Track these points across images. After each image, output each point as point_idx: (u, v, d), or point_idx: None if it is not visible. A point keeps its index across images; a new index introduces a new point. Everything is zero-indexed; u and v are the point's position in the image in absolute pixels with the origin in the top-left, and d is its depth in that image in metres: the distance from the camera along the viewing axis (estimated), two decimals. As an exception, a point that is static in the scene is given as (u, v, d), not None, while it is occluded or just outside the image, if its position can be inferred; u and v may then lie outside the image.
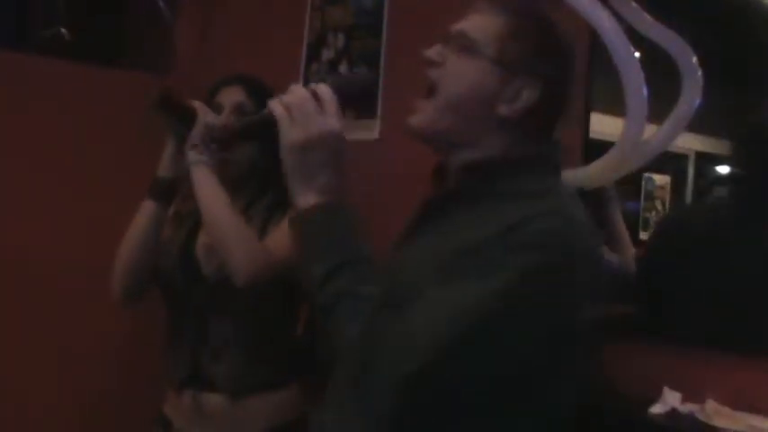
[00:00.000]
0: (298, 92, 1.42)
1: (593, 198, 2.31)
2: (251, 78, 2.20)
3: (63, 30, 3.10)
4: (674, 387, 1.98)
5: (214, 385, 2.09)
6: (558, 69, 1.46)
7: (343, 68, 2.84)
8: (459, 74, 1.42)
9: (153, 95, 1.94)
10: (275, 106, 1.41)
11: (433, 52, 1.45)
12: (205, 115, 2.00)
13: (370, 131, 2.72)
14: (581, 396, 1.45)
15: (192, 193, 2.03)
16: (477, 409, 1.27)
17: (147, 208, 2.06)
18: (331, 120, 1.40)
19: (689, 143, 2.28)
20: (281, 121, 1.40)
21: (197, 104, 2.02)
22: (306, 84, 2.90)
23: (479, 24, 1.44)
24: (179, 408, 2.15)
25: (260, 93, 2.16)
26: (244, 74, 2.22)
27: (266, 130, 1.45)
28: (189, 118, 1.98)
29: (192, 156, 1.97)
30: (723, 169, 2.39)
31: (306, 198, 1.39)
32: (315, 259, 1.37)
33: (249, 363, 2.11)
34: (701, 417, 1.89)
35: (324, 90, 1.43)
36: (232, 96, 2.14)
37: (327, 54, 2.89)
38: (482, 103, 1.41)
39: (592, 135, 2.29)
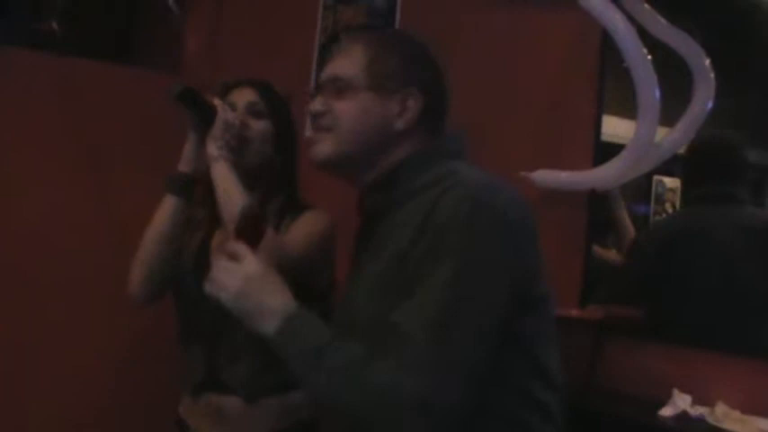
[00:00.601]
0: (214, 264, 1.53)
1: (599, 199, 2.32)
2: (260, 81, 2.21)
3: (54, 24, 3.10)
4: (684, 390, 1.98)
5: (230, 388, 2.10)
6: (428, 71, 1.58)
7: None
8: (347, 114, 1.53)
9: (174, 88, 1.96)
10: (207, 287, 1.53)
11: (316, 106, 1.55)
12: (224, 113, 2.02)
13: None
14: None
15: (205, 198, 2.05)
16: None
17: (168, 203, 2.06)
18: (248, 266, 1.50)
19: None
20: (213, 296, 1.52)
21: (217, 102, 2.04)
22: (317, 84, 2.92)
23: (345, 62, 1.55)
24: (195, 411, 2.15)
25: (271, 94, 2.17)
26: (253, 78, 2.24)
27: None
28: (209, 114, 2.00)
29: (212, 151, 1.99)
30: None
31: (266, 329, 1.47)
32: (303, 367, 1.45)
33: (263, 365, 2.11)
34: (710, 420, 1.89)
35: (231, 246, 1.53)
36: (244, 96, 2.15)
37: (339, 54, 2.90)
38: (377, 128, 1.52)
39: (603, 137, 2.29)
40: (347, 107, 1.53)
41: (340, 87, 1.54)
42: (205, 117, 2.00)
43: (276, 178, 2.14)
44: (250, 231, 1.56)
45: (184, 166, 2.06)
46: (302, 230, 2.06)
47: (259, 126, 2.11)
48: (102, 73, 2.92)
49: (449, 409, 1.33)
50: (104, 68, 2.94)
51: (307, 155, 1.59)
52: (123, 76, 2.97)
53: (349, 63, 1.55)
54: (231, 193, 1.96)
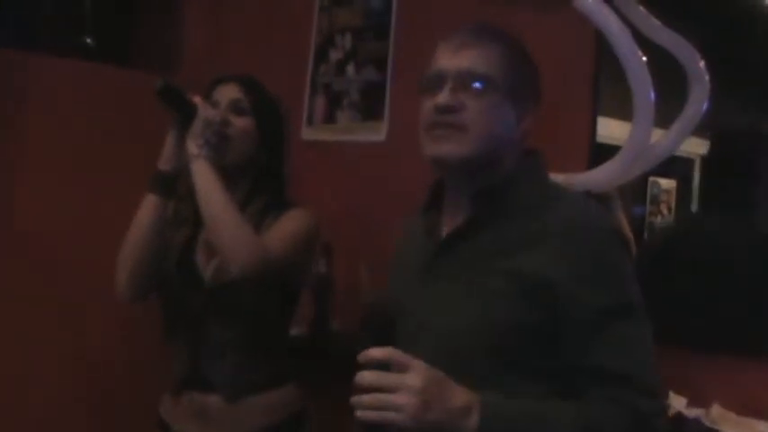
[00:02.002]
0: (367, 382, 1.31)
1: (596, 200, 2.32)
2: (247, 77, 2.20)
3: (89, 39, 3.12)
4: (680, 391, 1.98)
5: (213, 386, 2.10)
6: (539, 90, 1.60)
7: (350, 69, 2.84)
8: (483, 113, 1.48)
9: (156, 84, 1.96)
10: (367, 415, 1.32)
11: (446, 99, 1.48)
12: (204, 110, 2.01)
13: (377, 133, 2.72)
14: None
15: (190, 192, 2.04)
16: None
17: (150, 202, 2.05)
18: (411, 378, 1.31)
19: (695, 148, 2.27)
20: (407, 417, 1.30)
21: (197, 99, 2.03)
22: (313, 85, 2.92)
23: (483, 60, 1.50)
24: (177, 410, 2.14)
25: (255, 90, 2.17)
26: (239, 74, 2.23)
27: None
28: (189, 112, 2.00)
29: (192, 149, 1.98)
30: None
31: (467, 422, 1.33)
32: None
33: (247, 364, 2.11)
34: (706, 421, 1.90)
35: (378, 352, 1.32)
36: (228, 93, 2.14)
37: (335, 55, 2.90)
38: (504, 133, 1.51)
39: (599, 139, 2.29)
40: (482, 107, 1.48)
41: (473, 83, 1.49)
42: (185, 115, 2.00)
43: (259, 177, 2.14)
44: (382, 328, 1.38)
45: (164, 164, 2.05)
46: (282, 229, 2.06)
47: (241, 123, 2.11)
48: (101, 75, 2.92)
49: None
50: (103, 70, 2.94)
51: (426, 150, 1.52)
52: (121, 77, 2.97)
53: (488, 62, 1.50)
54: (211, 192, 1.95)
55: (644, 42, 2.09)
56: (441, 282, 1.52)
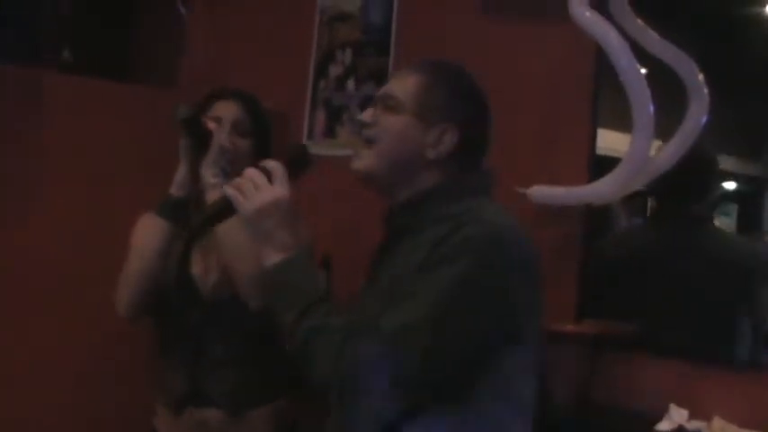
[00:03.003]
0: (248, 172, 1.61)
1: (599, 216, 2.32)
2: (245, 94, 2.20)
3: (67, 53, 3.12)
4: (681, 404, 1.98)
5: (213, 401, 2.10)
6: (472, 111, 1.69)
7: (350, 85, 2.85)
8: (389, 129, 1.64)
9: (180, 112, 1.97)
10: (227, 189, 1.61)
11: (366, 115, 1.68)
12: (219, 137, 2.02)
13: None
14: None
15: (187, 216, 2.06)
16: (446, 392, 1.50)
17: (159, 227, 2.06)
18: (279, 188, 1.59)
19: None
20: (233, 198, 1.59)
21: (213, 127, 2.04)
22: (313, 100, 2.92)
23: (400, 85, 1.68)
24: (177, 425, 2.14)
25: (255, 109, 2.17)
26: (238, 89, 2.23)
27: (227, 213, 1.64)
28: (206, 140, 2.00)
29: (208, 178, 1.99)
30: (729, 185, 2.40)
31: (269, 257, 1.58)
32: (285, 308, 1.56)
33: (246, 378, 2.12)
34: (707, 434, 1.89)
35: (271, 164, 1.62)
36: (229, 112, 2.14)
37: (335, 70, 2.90)
38: (410, 151, 1.64)
39: (598, 151, 2.29)
40: (389, 125, 1.64)
41: (390, 105, 1.65)
42: (202, 142, 2.00)
43: None
44: (294, 166, 1.64)
45: (177, 190, 2.05)
46: None
47: (245, 144, 2.11)
48: (102, 90, 2.93)
49: (385, 409, 1.48)
50: (104, 86, 2.95)
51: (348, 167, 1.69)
52: (122, 92, 2.97)
53: (402, 86, 1.67)
54: (231, 224, 1.95)
55: (643, 55, 2.10)
56: (369, 285, 1.69)
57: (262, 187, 1.58)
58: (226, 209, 1.63)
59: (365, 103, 2.78)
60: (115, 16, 3.43)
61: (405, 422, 1.50)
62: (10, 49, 2.96)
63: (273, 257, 1.57)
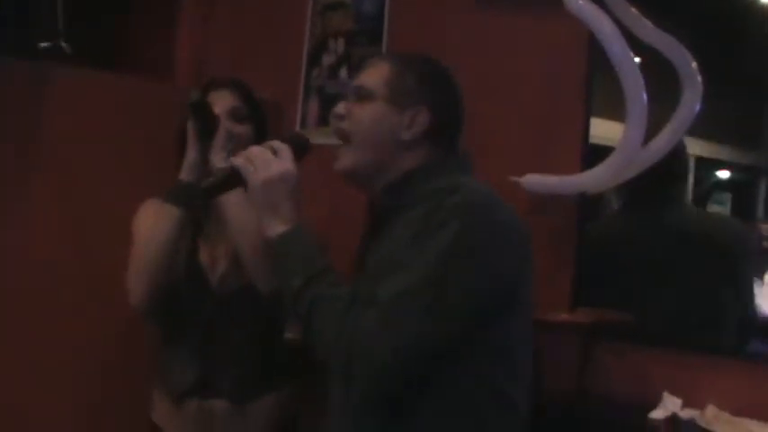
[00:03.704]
0: (254, 148, 1.68)
1: (592, 203, 2.32)
2: (238, 82, 2.20)
3: (63, 43, 3.10)
4: (674, 392, 1.98)
5: (220, 392, 2.10)
6: (442, 93, 1.76)
7: (343, 74, 2.85)
8: (362, 119, 1.71)
9: (192, 97, 1.99)
10: (236, 160, 1.67)
11: (339, 108, 1.75)
12: (226, 123, 2.02)
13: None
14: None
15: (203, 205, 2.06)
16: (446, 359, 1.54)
17: (172, 214, 2.04)
18: (286, 162, 1.66)
19: (689, 148, 2.27)
20: (243, 169, 1.65)
21: (218, 112, 2.04)
22: (306, 89, 2.92)
23: (371, 75, 1.74)
24: (180, 416, 2.14)
25: (250, 96, 2.17)
26: (232, 78, 2.23)
27: (233, 184, 1.69)
28: (213, 125, 2.01)
29: (217, 162, 1.98)
30: (723, 174, 2.40)
31: (275, 228, 1.63)
32: (290, 276, 1.60)
33: (253, 369, 2.13)
34: (701, 422, 1.89)
35: (277, 144, 1.69)
36: (225, 101, 2.13)
37: (328, 59, 2.90)
38: (386, 135, 1.70)
39: (592, 140, 2.29)
40: (363, 114, 1.71)
41: (361, 96, 1.72)
42: (209, 128, 2.01)
43: None
44: (296, 148, 1.69)
45: (188, 175, 2.04)
46: None
47: (242, 131, 2.11)
48: (94, 81, 2.91)
49: (386, 378, 1.51)
50: (95, 76, 2.93)
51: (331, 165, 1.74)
52: (116, 84, 2.96)
53: (373, 75, 1.74)
54: (240, 207, 1.96)
55: (637, 44, 2.10)
56: (362, 264, 1.72)
57: (270, 161, 1.64)
58: (232, 179, 1.67)
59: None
60: (110, 7, 3.42)
61: (405, 391, 1.55)
62: (5, 42, 2.95)
63: (279, 227, 1.62)
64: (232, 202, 1.97)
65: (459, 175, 1.70)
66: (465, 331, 1.53)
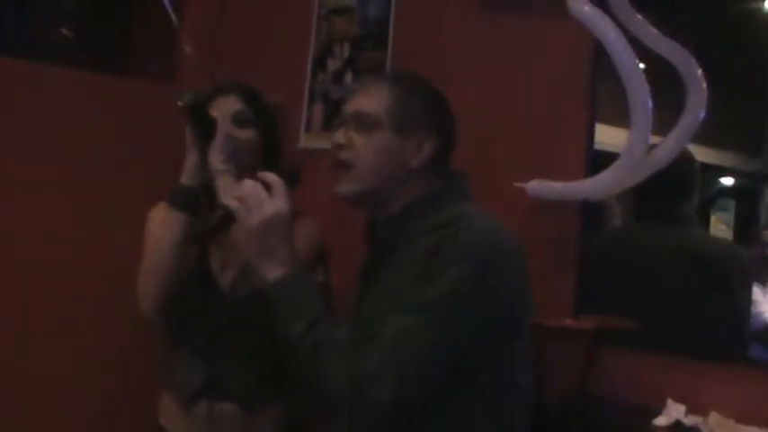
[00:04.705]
0: (247, 185, 1.61)
1: (595, 211, 2.32)
2: (245, 87, 2.20)
3: (65, 30, 3.11)
4: (678, 399, 1.98)
5: (229, 395, 2.10)
6: (443, 116, 1.73)
7: (348, 78, 2.85)
8: (368, 149, 1.66)
9: (184, 98, 1.96)
10: (229, 201, 1.61)
11: (339, 138, 1.69)
12: (224, 125, 2.01)
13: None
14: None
15: (208, 208, 2.05)
16: (447, 392, 1.55)
17: (176, 219, 2.03)
18: (280, 202, 1.59)
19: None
20: (236, 211, 1.59)
21: (217, 115, 2.04)
22: (311, 94, 2.93)
23: (370, 101, 1.68)
24: (188, 419, 2.14)
25: (256, 101, 2.17)
26: (237, 82, 2.23)
27: (227, 224, 1.63)
28: (210, 128, 2.00)
29: (216, 164, 1.98)
30: (727, 181, 2.40)
31: (272, 272, 1.58)
32: (291, 321, 1.56)
33: (262, 374, 2.13)
34: (704, 429, 1.89)
35: (271, 177, 1.62)
36: (229, 105, 2.13)
37: (333, 64, 2.90)
38: (394, 164, 1.67)
39: (596, 146, 2.29)
40: (368, 144, 1.66)
41: (363, 123, 1.67)
42: (206, 131, 2.00)
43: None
44: (289, 180, 1.64)
45: (188, 179, 2.04)
46: (303, 240, 2.05)
47: (245, 135, 2.11)
48: (98, 84, 2.92)
49: (393, 414, 1.50)
50: (100, 79, 2.95)
51: (331, 190, 1.70)
52: (118, 86, 2.97)
53: (374, 101, 1.68)
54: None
55: (641, 50, 2.10)
56: (362, 299, 1.72)
57: (264, 202, 1.58)
58: (227, 220, 1.62)
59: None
60: (114, 10, 3.43)
61: (416, 421, 1.54)
62: (8, 42, 2.96)
63: (276, 271, 1.58)
64: (225, 187, 1.97)
65: (460, 203, 1.68)
66: (466, 367, 1.54)
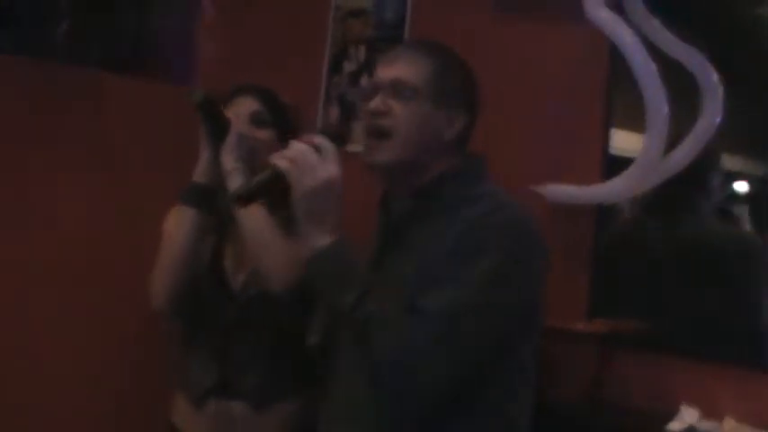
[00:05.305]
0: (298, 145, 1.55)
1: (608, 213, 2.33)
2: (264, 88, 2.21)
3: (77, 30, 3.11)
4: (692, 404, 1.98)
5: (239, 395, 2.11)
6: (475, 93, 1.74)
7: (364, 81, 2.85)
8: (408, 117, 1.63)
9: (195, 96, 1.96)
10: (280, 161, 1.54)
11: (376, 104, 1.65)
12: (238, 125, 2.02)
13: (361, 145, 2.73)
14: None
15: (219, 207, 2.07)
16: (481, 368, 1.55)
17: (186, 215, 2.05)
18: (332, 167, 1.54)
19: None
20: (289, 173, 1.52)
21: (231, 115, 2.05)
22: (327, 96, 2.93)
23: (410, 69, 1.66)
24: (198, 418, 2.15)
25: (273, 102, 2.18)
26: (255, 84, 2.24)
27: (275, 186, 1.56)
28: (223, 127, 2.00)
29: (227, 164, 1.99)
30: (741, 186, 2.39)
31: (321, 238, 1.54)
32: (340, 291, 1.52)
33: (274, 373, 2.13)
34: (719, 434, 1.89)
35: (322, 141, 1.56)
36: (247, 106, 2.15)
37: (349, 66, 2.91)
38: (431, 135, 1.65)
39: (612, 151, 2.29)
40: (408, 112, 1.63)
41: (402, 92, 1.64)
42: (219, 129, 2.01)
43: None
44: (333, 141, 1.59)
45: (200, 177, 2.06)
46: None
47: (263, 135, 2.12)
48: (115, 84, 2.93)
49: (438, 391, 1.50)
50: (117, 80, 2.95)
51: (362, 157, 1.67)
52: (136, 87, 2.98)
53: (413, 71, 1.66)
54: (249, 210, 1.96)
55: (658, 54, 2.10)
56: (383, 267, 1.67)
57: (315, 165, 1.52)
58: (273, 183, 1.56)
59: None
60: (130, 11, 3.43)
61: (441, 408, 1.54)
62: (26, 43, 2.97)
63: (323, 239, 1.53)
64: (234, 186, 1.97)
65: (487, 182, 1.70)
66: (502, 351, 1.56)
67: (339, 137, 1.67)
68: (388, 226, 1.74)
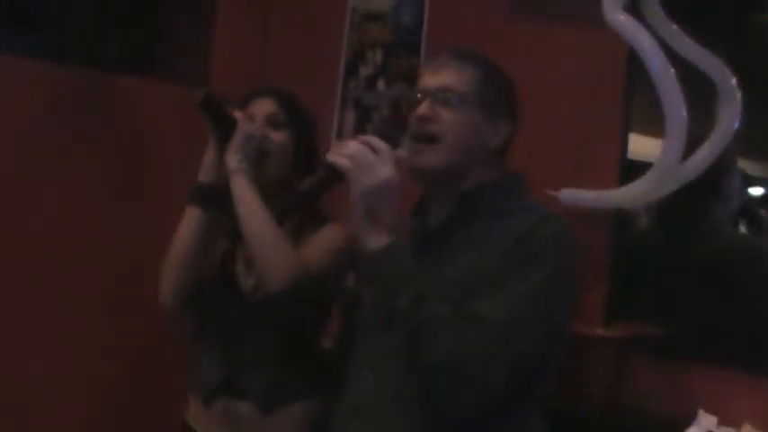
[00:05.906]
0: (355, 145, 1.57)
1: (625, 218, 2.32)
2: (283, 91, 2.22)
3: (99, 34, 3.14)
4: (710, 410, 1.97)
5: (247, 395, 2.12)
6: (516, 103, 1.78)
7: (380, 85, 2.86)
8: (456, 124, 1.67)
9: (197, 95, 1.97)
10: (338, 159, 1.55)
11: (425, 110, 1.68)
12: (244, 124, 2.03)
13: (405, 149, 2.73)
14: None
15: (227, 207, 2.06)
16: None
17: (192, 215, 2.06)
18: (389, 168, 1.55)
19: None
20: (349, 172, 1.53)
21: (238, 114, 2.05)
22: (343, 100, 2.94)
23: (457, 78, 1.70)
24: (207, 417, 2.16)
25: (291, 104, 2.18)
26: (274, 86, 2.24)
27: (333, 183, 1.58)
28: (229, 126, 2.01)
29: (231, 163, 2.00)
30: (756, 191, 2.38)
31: (379, 239, 1.55)
32: (395, 292, 1.54)
33: (281, 375, 2.13)
34: (737, 441, 1.88)
35: (376, 141, 1.57)
36: (264, 108, 2.15)
37: (365, 70, 2.91)
38: (477, 142, 1.70)
39: (630, 156, 2.29)
40: (456, 119, 1.68)
41: (449, 99, 1.68)
42: (224, 128, 2.01)
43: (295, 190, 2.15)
44: (390, 126, 1.63)
45: (205, 176, 2.06)
46: (320, 245, 2.07)
47: (278, 137, 2.12)
48: (129, 87, 2.95)
49: (488, 395, 1.52)
50: (130, 82, 2.97)
51: (408, 162, 1.68)
52: (149, 90, 2.99)
53: (460, 79, 1.70)
54: (250, 208, 1.97)
55: (676, 58, 2.09)
56: (422, 271, 1.64)
57: (374, 164, 1.54)
58: (331, 179, 1.58)
59: (396, 103, 2.80)
60: (144, 14, 3.45)
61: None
62: (38, 46, 2.99)
63: (381, 239, 1.55)
64: (236, 185, 1.98)
65: (526, 197, 1.75)
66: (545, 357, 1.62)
67: (392, 138, 1.67)
68: (425, 230, 1.76)
